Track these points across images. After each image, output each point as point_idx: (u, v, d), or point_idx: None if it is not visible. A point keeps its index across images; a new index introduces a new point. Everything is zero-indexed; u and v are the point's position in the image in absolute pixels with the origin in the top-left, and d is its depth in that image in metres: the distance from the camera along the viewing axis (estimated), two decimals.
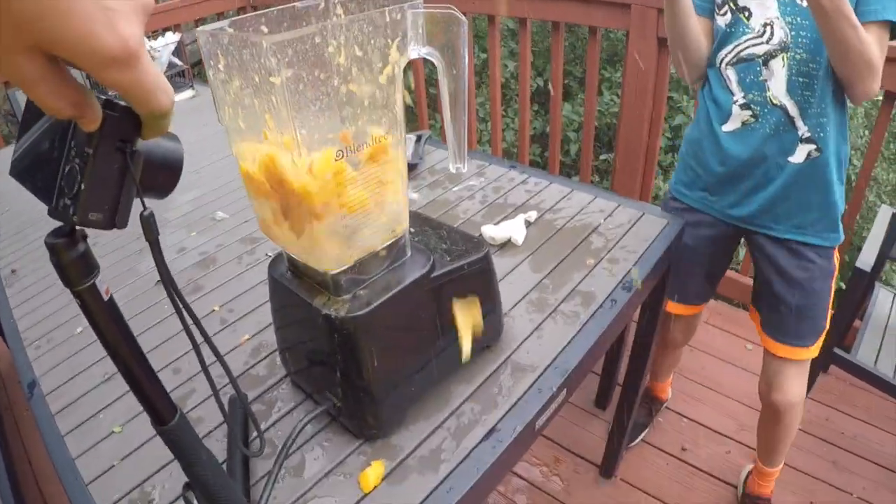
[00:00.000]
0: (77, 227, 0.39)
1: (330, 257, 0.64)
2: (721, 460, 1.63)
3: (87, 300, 0.41)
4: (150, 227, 0.39)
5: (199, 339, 0.47)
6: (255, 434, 0.79)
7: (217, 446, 0.77)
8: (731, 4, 1.09)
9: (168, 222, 1.33)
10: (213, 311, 1.02)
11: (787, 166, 1.10)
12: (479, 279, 0.79)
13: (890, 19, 0.96)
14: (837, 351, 1.54)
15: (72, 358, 0.97)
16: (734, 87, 1.12)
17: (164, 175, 0.40)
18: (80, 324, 1.04)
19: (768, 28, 1.05)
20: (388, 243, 0.69)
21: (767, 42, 1.05)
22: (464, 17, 0.60)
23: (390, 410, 0.74)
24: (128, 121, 0.35)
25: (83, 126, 0.34)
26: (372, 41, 0.57)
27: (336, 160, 0.58)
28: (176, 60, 2.14)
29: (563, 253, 1.07)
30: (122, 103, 0.34)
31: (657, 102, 1.86)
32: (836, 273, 1.20)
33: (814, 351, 1.24)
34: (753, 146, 1.12)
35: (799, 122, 1.07)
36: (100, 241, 1.27)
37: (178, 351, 0.94)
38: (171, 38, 2.15)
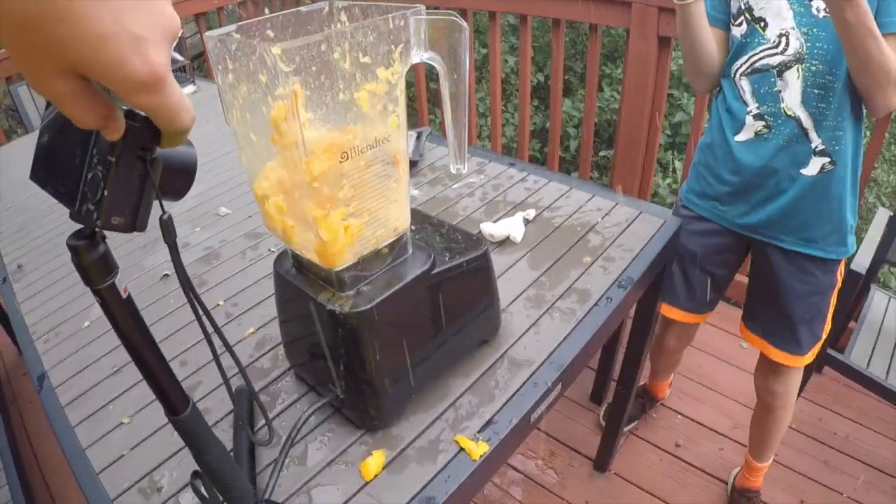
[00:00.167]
0: (97, 230, 0.41)
1: (334, 255, 0.66)
2: (714, 457, 1.65)
3: (107, 298, 0.43)
4: (168, 231, 0.41)
5: (210, 331, 0.49)
6: (261, 424, 0.81)
7: (223, 436, 0.79)
8: (747, 15, 1.08)
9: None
10: (218, 305, 1.05)
11: (800, 178, 1.09)
12: (478, 276, 0.82)
13: None
14: (831, 352, 1.54)
15: (80, 351, 0.99)
16: (748, 97, 1.11)
17: (180, 179, 0.42)
18: (87, 318, 1.06)
19: (784, 39, 1.03)
20: (390, 241, 0.71)
21: (783, 53, 1.04)
22: (465, 24, 0.62)
23: (391, 402, 0.76)
24: (148, 130, 0.37)
25: (107, 136, 0.35)
26: (376, 47, 0.59)
27: (341, 162, 0.60)
28: (177, 56, 2.14)
29: (560, 251, 1.09)
30: (143, 113, 0.36)
31: (657, 99, 1.87)
32: (839, 285, 1.19)
33: (808, 358, 1.25)
34: (766, 157, 1.11)
35: (812, 135, 1.06)
36: (106, 238, 1.28)
37: (184, 343, 0.96)
38: None
